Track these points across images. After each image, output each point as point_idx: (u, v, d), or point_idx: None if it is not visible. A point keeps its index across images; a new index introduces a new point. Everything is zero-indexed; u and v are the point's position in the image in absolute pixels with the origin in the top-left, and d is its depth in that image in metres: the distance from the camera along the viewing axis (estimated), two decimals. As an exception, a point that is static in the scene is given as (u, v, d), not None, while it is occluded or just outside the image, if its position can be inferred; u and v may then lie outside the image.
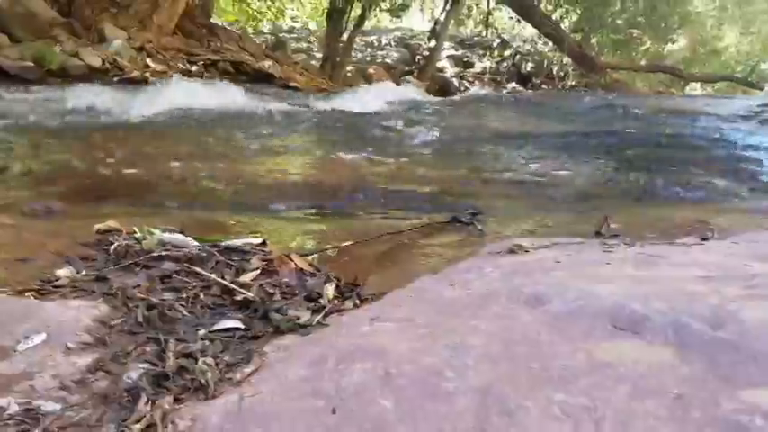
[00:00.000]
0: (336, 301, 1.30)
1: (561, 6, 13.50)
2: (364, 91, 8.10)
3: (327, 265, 1.70)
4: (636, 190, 2.66)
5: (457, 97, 10.20)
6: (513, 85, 16.29)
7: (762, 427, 0.64)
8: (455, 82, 16.24)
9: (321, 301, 1.29)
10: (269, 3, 18.74)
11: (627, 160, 3.35)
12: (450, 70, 17.35)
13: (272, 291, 1.32)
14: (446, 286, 1.30)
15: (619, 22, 13.20)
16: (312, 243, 2.03)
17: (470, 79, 16.82)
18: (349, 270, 1.65)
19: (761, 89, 12.74)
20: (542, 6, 12.91)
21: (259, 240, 1.69)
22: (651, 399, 0.71)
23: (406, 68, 16.35)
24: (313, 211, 2.59)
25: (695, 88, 15.28)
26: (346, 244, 1.82)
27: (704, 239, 1.47)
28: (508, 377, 0.83)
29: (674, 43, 15.65)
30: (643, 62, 13.33)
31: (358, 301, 1.29)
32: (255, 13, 18.55)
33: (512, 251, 1.49)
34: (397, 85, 11.99)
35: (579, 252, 1.41)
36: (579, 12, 13.21)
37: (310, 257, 1.68)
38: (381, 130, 4.85)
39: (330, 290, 1.32)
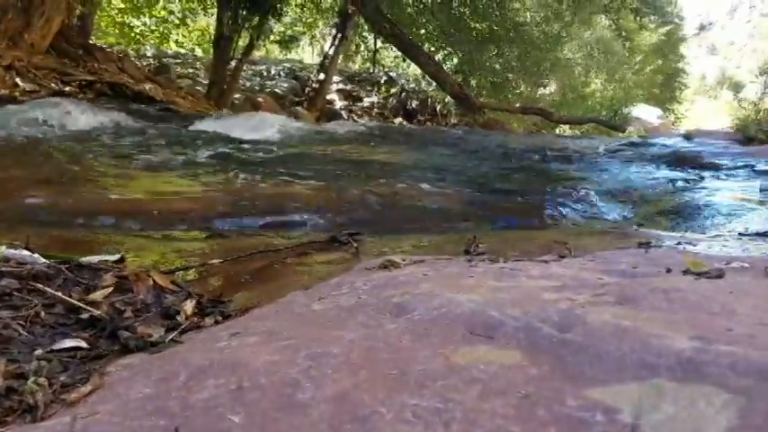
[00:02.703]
0: (196, 318, 1.22)
1: (444, 49, 14.21)
2: (250, 117, 7.99)
3: (195, 282, 1.62)
4: (504, 215, 2.80)
5: (345, 127, 10.29)
6: (400, 119, 16.83)
7: (602, 422, 0.65)
8: (344, 114, 16.49)
9: (178, 318, 1.20)
10: (152, 27, 18.14)
11: (497, 189, 3.53)
12: (339, 103, 17.61)
13: (123, 308, 1.22)
14: (315, 300, 1.27)
15: (496, 66, 14.12)
16: (181, 261, 1.92)
17: (359, 113, 17.16)
18: (217, 287, 1.58)
19: (623, 131, 14.06)
20: (426, 48, 13.50)
21: (116, 257, 1.57)
22: (499, 399, 0.72)
23: (296, 99, 16.39)
24: (186, 229, 2.47)
25: (564, 129, 16.61)
26: (214, 261, 1.74)
27: (562, 257, 1.55)
28: (366, 384, 0.81)
29: (545, 87, 16.99)
30: (517, 104, 14.28)
31: (220, 318, 1.22)
32: (138, 36, 17.86)
33: (384, 266, 1.49)
34: (287, 114, 11.97)
35: (446, 267, 1.44)
36: (460, 55, 13.97)
37: (174, 275, 1.58)
38: (265, 155, 4.78)
39: (189, 306, 1.23)
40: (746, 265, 1.32)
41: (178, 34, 19.40)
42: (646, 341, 0.75)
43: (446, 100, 15.63)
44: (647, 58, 22.20)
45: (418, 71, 15.03)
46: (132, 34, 17.50)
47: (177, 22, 18.29)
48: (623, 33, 18.99)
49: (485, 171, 4.62)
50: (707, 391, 0.62)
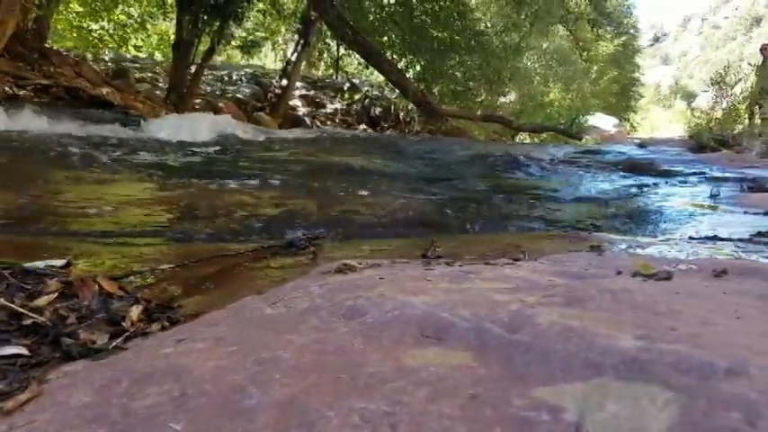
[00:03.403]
0: (142, 325, 1.18)
1: (406, 57, 14.31)
2: (210, 121, 7.86)
3: (145, 288, 1.57)
4: (463, 220, 2.82)
5: (308, 134, 10.24)
6: (363, 126, 16.85)
7: (547, 421, 0.65)
8: (307, 120, 16.41)
9: (124, 324, 1.16)
10: (111, 31, 17.76)
11: (458, 194, 3.55)
12: (302, 109, 17.53)
13: (66, 314, 1.17)
14: (268, 305, 1.24)
15: (457, 74, 14.28)
16: (132, 266, 1.86)
17: (322, 119, 17.12)
18: (168, 293, 1.54)
19: (580, 139, 14.41)
20: (389, 55, 13.57)
21: (63, 262, 1.51)
22: (447, 400, 0.71)
23: (258, 105, 16.25)
24: (139, 235, 2.40)
25: (524, 137, 16.90)
26: (166, 267, 1.69)
27: (516, 260, 1.57)
28: (315, 389, 0.80)
29: (505, 96, 17.27)
30: (479, 112, 14.46)
31: (167, 324, 1.19)
32: (96, 40, 17.46)
33: (340, 270, 1.48)
34: (249, 119, 11.86)
35: (403, 270, 1.43)
36: (422, 63, 14.08)
37: (123, 280, 1.53)
38: (224, 159, 4.70)
39: (135, 312, 1.19)
40: (694, 267, 1.35)
41: (137, 38, 19.04)
42: (592, 341, 0.76)
43: (409, 107, 15.71)
44: (603, 69, 22.81)
45: (382, 78, 15.07)
46: (90, 38, 17.10)
47: (136, 26, 17.95)
48: (580, 44, 19.51)
49: (446, 177, 4.65)
50: (650, 390, 0.63)
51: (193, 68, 12.65)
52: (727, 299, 0.99)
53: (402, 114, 16.97)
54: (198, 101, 13.71)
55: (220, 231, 2.68)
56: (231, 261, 1.91)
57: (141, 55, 19.27)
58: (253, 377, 0.85)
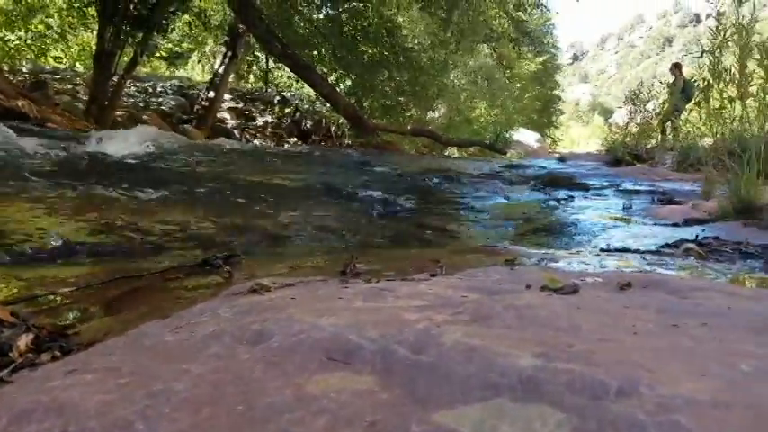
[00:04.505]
0: (32, 354, 1.09)
1: (336, 71, 14.35)
2: (131, 134, 7.57)
3: (41, 314, 1.46)
4: (386, 235, 2.82)
5: (236, 147, 10.03)
6: (294, 140, 16.71)
7: (446, 445, 0.64)
8: (236, 133, 16.11)
9: (11, 354, 1.07)
10: (29, 41, 16.88)
11: (383, 209, 3.56)
12: (231, 122, 17.21)
13: (-56, 347, 1.07)
14: (170, 330, 1.18)
15: (387, 89, 14.45)
16: (30, 290, 1.73)
17: (252, 132, 16.85)
18: (65, 319, 1.43)
19: (505, 154, 14.87)
20: (319, 70, 13.55)
21: (-56, 290, 1.39)
22: (346, 429, 0.68)
23: (184, 117, 15.83)
24: (42, 256, 2.25)
25: (453, 151, 17.26)
26: (67, 290, 1.58)
27: (433, 275, 1.57)
28: (207, 423, 0.75)
29: (434, 111, 17.61)
30: (409, 126, 14.66)
31: (59, 353, 1.10)
32: (13, 51, 16.55)
33: (253, 291, 1.43)
34: (174, 132, 11.54)
35: (318, 289, 1.40)
36: (353, 77, 14.16)
37: (18, 305, 1.42)
38: (146, 173, 4.52)
39: (23, 342, 1.10)
40: (600, 280, 1.39)
41: (57, 49, 18.17)
42: (492, 360, 0.75)
43: (340, 121, 15.74)
44: (526, 86, 23.74)
45: (313, 92, 15.03)
46: (6, 49, 16.18)
47: (56, 36, 17.13)
48: (504, 62, 20.21)
49: (374, 191, 4.65)
50: (543, 411, 0.63)
51: (116, 80, 12.22)
52: (627, 313, 1.02)
53: (333, 128, 16.97)
54: (120, 113, 13.23)
55: (134, 249, 2.56)
56: (139, 282, 1.82)
57: (61, 66, 18.44)
58: (142, 412, 0.79)
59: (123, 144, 6.09)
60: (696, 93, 8.67)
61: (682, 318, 0.99)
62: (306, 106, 17.93)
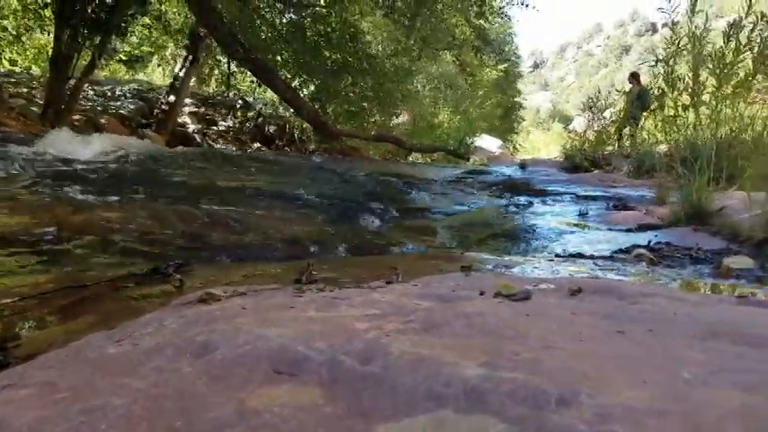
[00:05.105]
0: (-36, 371, 1.03)
1: (300, 76, 14.27)
2: (89, 138, 7.38)
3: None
4: (346, 242, 2.80)
5: (196, 152, 9.87)
6: (257, 145, 16.54)
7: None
8: (197, 138, 15.86)
9: (-59, 372, 1.01)
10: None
11: (345, 216, 3.54)
12: (192, 126, 16.93)
13: None
14: (113, 343, 1.14)
15: (351, 95, 14.44)
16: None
17: (214, 137, 16.61)
18: (6, 331, 1.37)
19: (468, 159, 15.02)
20: (282, 74, 13.45)
21: None
22: (287, 443, 0.66)
23: (144, 121, 15.53)
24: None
25: (417, 156, 17.36)
26: (8, 301, 1.52)
27: (389, 282, 1.56)
28: (144, 440, 0.72)
29: (398, 117, 17.69)
30: (373, 132, 14.67)
31: (-8, 369, 1.05)
32: (-36, 54, 15.96)
33: (202, 300, 1.39)
34: (133, 136, 11.33)
35: (270, 298, 1.37)
36: (316, 82, 14.11)
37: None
38: (102, 178, 4.39)
39: (-46, 358, 1.04)
40: (553, 286, 1.40)
41: (12, 52, 17.58)
42: (438, 370, 0.74)
43: (304, 126, 15.66)
44: (488, 93, 24.08)
45: (276, 96, 14.90)
46: (-43, 52, 15.61)
47: (11, 39, 16.57)
48: (466, 69, 20.45)
49: (336, 197, 4.62)
50: (485, 422, 0.62)
51: (73, 83, 11.90)
52: (575, 319, 1.03)
53: (297, 133, 16.86)
54: (77, 117, 12.88)
55: (87, 257, 2.48)
56: (88, 291, 1.75)
57: (16, 69, 17.88)
58: (77, 429, 0.76)
59: (80, 148, 5.92)
60: (651, 101, 8.93)
61: (628, 324, 1.00)
62: (269, 111, 17.79)
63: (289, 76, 13.93)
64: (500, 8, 16.81)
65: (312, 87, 14.49)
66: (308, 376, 0.85)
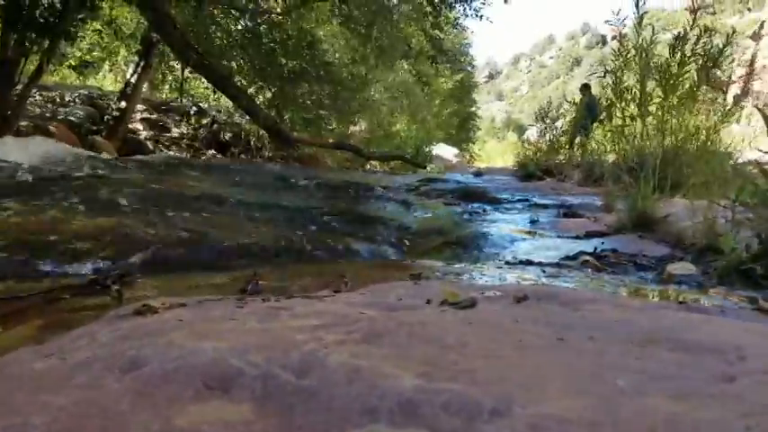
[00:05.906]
0: None
1: (255, 83, 14.12)
2: (36, 144, 7.14)
3: None
4: (297, 251, 2.75)
5: (148, 159, 9.63)
6: (212, 152, 16.26)
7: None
8: (149, 145, 15.50)
9: None
10: None
11: (297, 223, 3.49)
12: (144, 133, 16.54)
13: None
14: (42, 357, 1.07)
15: (308, 102, 14.37)
16: None
17: (167, 143, 16.25)
18: None
19: (425, 168, 15.14)
20: (237, 80, 13.29)
21: None
22: (212, 463, 0.63)
23: (94, 128, 15.08)
24: None
25: (375, 165, 17.39)
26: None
27: (336, 291, 1.53)
28: (58, 464, 0.67)
29: (356, 125, 17.69)
30: (331, 140, 14.62)
31: None
32: None
33: (139, 313, 1.33)
34: (83, 143, 11.00)
35: (211, 309, 1.32)
36: (272, 90, 13.99)
37: None
38: (48, 185, 4.21)
39: None
40: (499, 293, 1.40)
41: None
42: (374, 382, 0.72)
43: (261, 133, 15.47)
44: (444, 102, 24.38)
45: (231, 103, 14.69)
46: None
47: (-46, 42, 15.85)
48: (423, 79, 20.65)
49: (290, 205, 4.56)
50: (418, 435, 0.60)
51: (20, 89, 11.46)
52: (517, 327, 1.02)
53: (253, 140, 16.65)
54: (24, 123, 12.41)
55: (24, 267, 2.36)
56: (22, 303, 1.67)
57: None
58: (-13, 454, 0.70)
59: (27, 154, 5.69)
60: (601, 111, 9.19)
61: (569, 331, 1.00)
62: (224, 118, 17.52)
63: (244, 83, 13.77)
64: (455, 19, 17.05)
65: (269, 94, 14.36)
66: (241, 391, 0.81)
